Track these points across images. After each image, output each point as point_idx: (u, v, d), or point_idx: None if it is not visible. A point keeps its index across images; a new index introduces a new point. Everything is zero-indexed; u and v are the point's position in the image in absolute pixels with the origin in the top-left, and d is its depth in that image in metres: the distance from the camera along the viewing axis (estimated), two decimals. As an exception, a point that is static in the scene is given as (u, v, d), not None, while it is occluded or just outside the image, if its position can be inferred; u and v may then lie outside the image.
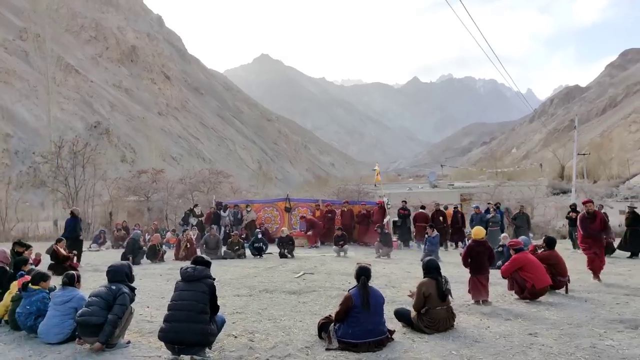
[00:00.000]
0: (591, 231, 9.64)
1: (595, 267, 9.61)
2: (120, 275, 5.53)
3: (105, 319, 5.17)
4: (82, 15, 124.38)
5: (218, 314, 5.32)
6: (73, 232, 13.29)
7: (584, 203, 10.09)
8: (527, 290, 7.52)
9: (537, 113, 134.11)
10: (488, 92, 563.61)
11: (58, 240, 12.06)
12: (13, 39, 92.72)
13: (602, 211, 13.98)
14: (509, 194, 26.11)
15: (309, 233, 18.24)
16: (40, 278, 6.23)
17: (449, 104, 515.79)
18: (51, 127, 53.84)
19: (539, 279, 7.54)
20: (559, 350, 5.03)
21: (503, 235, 12.52)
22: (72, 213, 14.12)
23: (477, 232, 7.97)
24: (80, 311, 5.33)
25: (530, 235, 16.79)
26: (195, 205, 21.51)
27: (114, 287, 5.39)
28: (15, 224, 24.86)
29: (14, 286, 6.47)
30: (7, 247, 9.95)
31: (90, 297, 5.41)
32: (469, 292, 7.62)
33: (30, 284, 6.15)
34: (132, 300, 5.47)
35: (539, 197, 26.13)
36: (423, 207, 18.83)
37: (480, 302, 7.43)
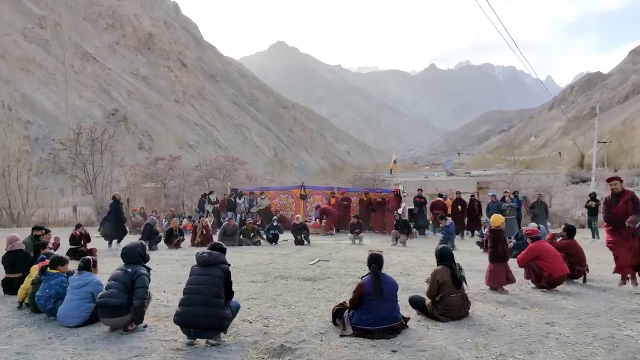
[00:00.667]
0: (612, 216, 7.59)
1: (622, 265, 7.67)
2: (134, 257, 5.60)
3: (123, 301, 5.27)
4: (100, 3, 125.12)
5: (233, 299, 5.36)
6: (116, 216, 13.90)
7: (608, 181, 8.06)
8: (544, 279, 7.43)
9: (557, 100, 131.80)
10: (507, 79, 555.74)
11: (78, 226, 12.24)
12: (32, 27, 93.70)
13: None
14: (527, 182, 25.78)
15: (323, 221, 18.25)
16: (57, 262, 6.33)
17: (466, 91, 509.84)
18: (70, 115, 54.60)
19: (556, 268, 7.43)
20: (576, 340, 4.96)
21: (537, 225, 12.28)
22: (114, 197, 14.80)
23: (495, 219, 7.89)
24: (100, 294, 5.43)
25: (548, 224, 16.60)
26: (211, 192, 21.65)
27: (129, 270, 5.46)
28: (35, 210, 25.31)
29: (34, 270, 6.59)
30: (27, 232, 10.17)
31: (109, 280, 5.50)
32: (487, 281, 7.55)
33: (48, 268, 6.26)
34: (149, 280, 5.55)
35: (557, 185, 25.78)
36: (440, 195, 18.74)
37: (498, 290, 7.36)
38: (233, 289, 5.31)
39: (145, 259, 5.76)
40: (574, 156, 55.74)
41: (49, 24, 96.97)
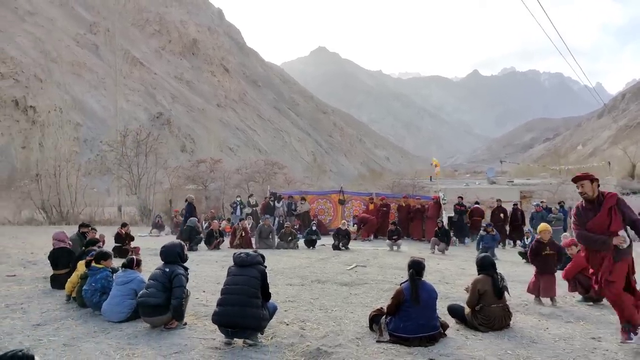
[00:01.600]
0: (587, 233, 5.24)
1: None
2: (172, 256, 5.75)
3: (162, 300, 5.42)
4: (147, 10, 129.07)
5: (271, 301, 5.41)
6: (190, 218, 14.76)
7: (574, 181, 5.48)
8: (592, 291, 7.15)
9: (608, 108, 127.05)
10: (553, 86, 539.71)
11: (123, 225, 12.64)
12: (84, 33, 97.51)
13: None
14: (573, 192, 24.88)
15: (361, 229, 18.15)
16: (101, 257, 6.60)
17: (510, 98, 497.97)
18: (117, 117, 56.45)
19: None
20: (625, 357, 4.75)
21: (564, 234, 11.99)
22: (186, 200, 15.95)
23: (542, 229, 7.66)
24: (140, 292, 5.59)
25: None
26: (250, 195, 21.94)
27: (167, 270, 5.61)
28: (83, 208, 26.24)
29: (82, 265, 6.85)
30: (75, 230, 10.59)
31: (149, 279, 5.67)
32: (529, 290, 7.37)
33: (93, 263, 6.51)
34: (186, 279, 5.67)
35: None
36: (477, 203, 18.49)
37: (541, 301, 7.18)
38: (270, 291, 5.36)
39: (184, 258, 5.90)
40: (625, 166, 53.53)
41: (100, 30, 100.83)
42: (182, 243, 6.11)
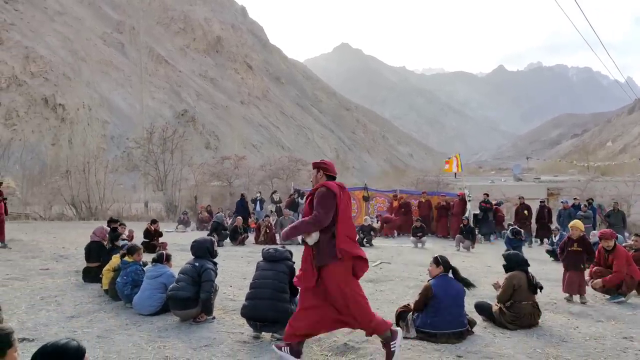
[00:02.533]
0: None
1: None
2: (202, 251, 5.87)
3: (191, 294, 5.54)
4: (172, 8, 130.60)
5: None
6: (242, 211, 16.63)
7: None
8: (625, 284, 7.03)
9: (639, 103, 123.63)
10: (581, 80, 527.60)
11: (153, 222, 12.84)
12: (111, 32, 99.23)
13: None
14: (603, 189, 24.41)
15: (384, 227, 18.11)
16: (129, 251, 6.77)
17: (537, 93, 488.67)
18: (143, 115, 57.31)
19: (637, 272, 7.07)
20: (658, 357, 4.66)
21: (592, 232, 11.75)
22: (242, 195, 18.15)
23: (571, 225, 7.55)
24: (170, 286, 5.72)
25: (626, 234, 15.63)
26: (274, 192, 22.06)
27: (197, 264, 5.72)
28: (111, 204, 26.76)
29: (116, 259, 7.02)
30: (104, 225, 10.83)
31: (179, 274, 5.79)
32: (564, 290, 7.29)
33: (125, 257, 6.70)
34: (215, 274, 5.77)
35: (637, 194, 24.19)
36: (499, 204, 18.42)
37: (572, 298, 7.09)
38: None
39: (213, 254, 6.00)
40: (657, 163, 52.14)
41: (126, 29, 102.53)
42: (213, 239, 6.20)
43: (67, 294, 7.12)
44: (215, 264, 5.94)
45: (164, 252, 6.60)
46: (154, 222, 12.78)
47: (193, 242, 6.03)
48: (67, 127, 61.89)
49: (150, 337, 5.09)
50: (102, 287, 7.12)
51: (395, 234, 18.02)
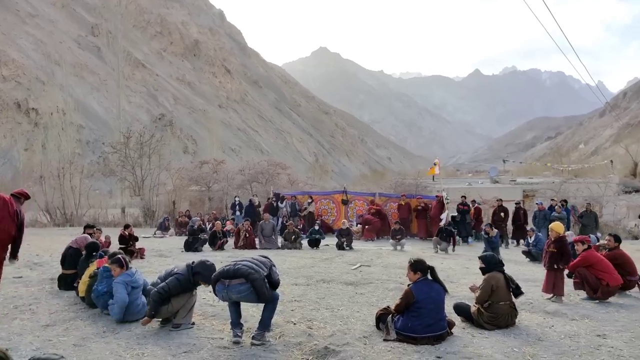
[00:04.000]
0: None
1: None
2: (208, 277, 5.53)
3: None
4: (149, 11, 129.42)
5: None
6: (252, 216, 17.45)
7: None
8: (601, 289, 7.17)
9: (609, 107, 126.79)
10: (554, 84, 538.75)
11: (126, 227, 12.67)
12: (86, 35, 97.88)
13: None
14: (576, 191, 24.91)
15: (366, 228, 18.19)
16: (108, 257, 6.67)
17: (512, 97, 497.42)
18: (120, 119, 56.53)
19: (613, 277, 7.22)
20: (630, 354, 4.79)
21: (568, 232, 11.99)
22: (250, 201, 19.71)
23: (558, 227, 7.67)
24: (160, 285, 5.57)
25: (598, 234, 16.00)
26: (254, 195, 21.98)
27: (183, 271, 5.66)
28: (87, 210, 26.32)
29: (94, 266, 6.88)
30: (79, 231, 10.65)
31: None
32: (546, 290, 7.42)
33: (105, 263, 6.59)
34: (186, 284, 5.60)
35: (608, 195, 24.77)
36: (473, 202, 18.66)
37: (554, 299, 7.23)
38: (279, 279, 5.39)
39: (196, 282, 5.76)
40: (627, 165, 53.40)
41: (101, 32, 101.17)
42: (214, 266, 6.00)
43: (41, 302, 6.98)
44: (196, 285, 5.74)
45: (120, 256, 6.29)
46: (127, 227, 12.59)
47: (199, 267, 5.69)
48: (41, 131, 60.76)
49: (128, 344, 5.02)
50: (77, 294, 7.00)
51: (375, 237, 18.09)
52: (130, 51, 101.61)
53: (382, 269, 10.43)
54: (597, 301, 7.20)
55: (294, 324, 5.81)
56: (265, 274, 5.08)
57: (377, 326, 5.56)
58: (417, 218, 18.89)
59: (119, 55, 72.66)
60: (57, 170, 26.72)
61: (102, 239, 10.82)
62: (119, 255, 6.28)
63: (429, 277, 5.41)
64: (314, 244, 14.98)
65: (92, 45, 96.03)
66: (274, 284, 5.18)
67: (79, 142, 64.11)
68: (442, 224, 15.24)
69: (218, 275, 5.12)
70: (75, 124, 66.45)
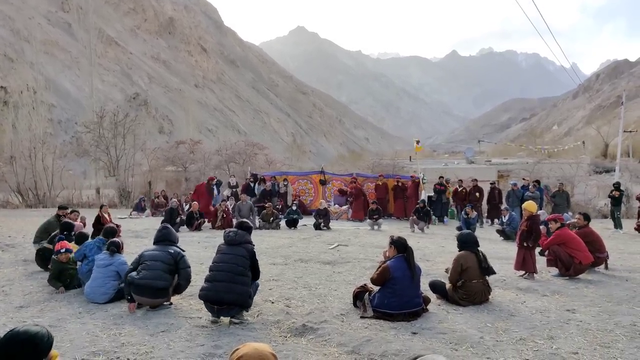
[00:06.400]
0: None
1: None
2: (173, 236, 5.99)
3: (168, 283, 5.53)
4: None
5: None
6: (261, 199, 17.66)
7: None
8: (573, 267, 7.37)
9: (582, 88, 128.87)
10: (530, 66, 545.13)
11: (102, 206, 12.48)
12: (56, 11, 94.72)
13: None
14: (549, 171, 25.46)
15: (353, 207, 18.06)
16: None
17: (488, 78, 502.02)
18: (93, 98, 55.23)
19: (585, 256, 7.43)
20: (597, 327, 4.96)
21: (541, 211, 12.25)
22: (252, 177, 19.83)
23: (531, 207, 7.81)
24: (141, 274, 5.46)
25: (570, 213, 16.42)
26: (232, 176, 21.85)
27: (172, 251, 5.65)
28: (60, 191, 25.83)
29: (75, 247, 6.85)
30: (53, 212, 10.43)
31: (148, 260, 5.57)
32: (517, 267, 7.58)
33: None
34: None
35: (580, 175, 25.36)
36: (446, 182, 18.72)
37: (526, 276, 7.41)
38: (259, 269, 5.44)
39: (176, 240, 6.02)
40: (598, 146, 54.74)
41: (72, 8, 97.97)
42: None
43: (14, 283, 6.88)
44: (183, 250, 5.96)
45: (119, 241, 6.43)
46: (102, 206, 12.41)
47: (164, 229, 5.95)
48: (10, 111, 58.82)
49: (105, 324, 4.99)
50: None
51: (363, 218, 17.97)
52: (102, 28, 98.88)
53: (360, 248, 10.54)
54: (567, 278, 7.41)
55: (272, 302, 5.85)
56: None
57: (355, 304, 5.63)
58: (394, 198, 19.04)
59: (91, 32, 70.75)
60: (28, 150, 26.06)
61: (78, 220, 10.64)
62: (119, 240, 6.47)
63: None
64: (292, 224, 15.02)
65: (62, 21, 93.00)
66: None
67: (50, 122, 62.48)
68: (422, 204, 15.36)
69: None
70: (46, 103, 64.78)
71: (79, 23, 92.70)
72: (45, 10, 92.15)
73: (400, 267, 5.32)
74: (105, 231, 6.91)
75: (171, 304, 5.69)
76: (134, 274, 5.50)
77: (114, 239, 6.48)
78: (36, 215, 18.19)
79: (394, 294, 5.20)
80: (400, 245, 5.48)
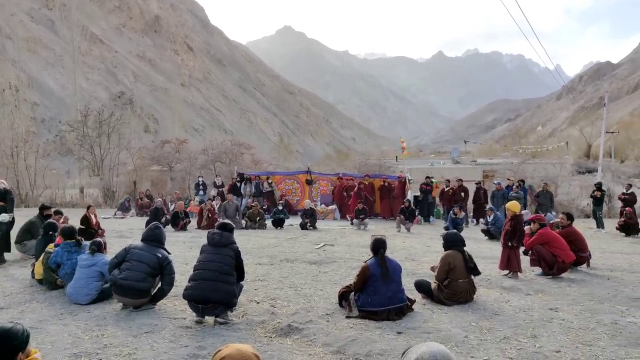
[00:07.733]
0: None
1: None
2: (161, 237, 5.86)
3: (151, 285, 5.49)
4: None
5: None
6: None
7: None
8: (556, 266, 7.46)
9: (566, 90, 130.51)
10: (515, 67, 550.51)
11: (89, 207, 12.32)
12: (39, 8, 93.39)
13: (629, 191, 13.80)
14: (533, 171, 25.69)
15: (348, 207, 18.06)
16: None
17: (474, 79, 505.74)
18: (77, 97, 54.56)
19: (567, 255, 7.53)
20: (580, 325, 5.02)
21: (524, 211, 12.39)
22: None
23: (514, 207, 7.90)
24: (124, 274, 5.40)
25: (553, 213, 16.61)
26: (217, 176, 21.74)
27: (159, 255, 5.57)
28: (43, 190, 25.46)
29: (51, 247, 6.70)
30: (35, 212, 10.28)
31: (131, 260, 5.51)
32: (501, 267, 7.64)
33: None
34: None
35: (563, 175, 25.65)
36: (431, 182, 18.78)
37: (510, 275, 7.47)
38: (244, 269, 5.43)
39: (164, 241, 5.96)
40: (581, 146, 55.41)
41: (56, 5, 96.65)
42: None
43: (-5, 285, 6.75)
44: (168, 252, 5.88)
45: (101, 240, 6.35)
46: (89, 207, 12.26)
47: (154, 228, 5.87)
48: (-8, 109, 57.98)
49: (87, 326, 4.92)
50: (33, 277, 6.80)
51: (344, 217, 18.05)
52: (86, 26, 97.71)
53: (346, 248, 10.55)
54: (550, 277, 7.49)
55: (257, 303, 5.83)
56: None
57: (340, 304, 5.64)
58: (380, 198, 19.08)
59: (74, 29, 69.83)
60: (10, 149, 25.62)
61: (61, 220, 10.50)
62: (101, 240, 6.37)
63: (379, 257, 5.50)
64: (278, 223, 14.99)
65: (45, 18, 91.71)
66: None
67: (33, 120, 61.66)
68: (408, 203, 15.41)
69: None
70: (29, 101, 63.91)
71: (62, 20, 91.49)
72: (28, 7, 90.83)
73: (379, 264, 5.39)
74: (62, 231, 6.65)
75: (155, 304, 5.64)
76: (116, 272, 5.46)
77: (97, 238, 6.40)
78: (18, 215, 17.89)
79: (376, 291, 5.24)
80: (373, 247, 5.60)
